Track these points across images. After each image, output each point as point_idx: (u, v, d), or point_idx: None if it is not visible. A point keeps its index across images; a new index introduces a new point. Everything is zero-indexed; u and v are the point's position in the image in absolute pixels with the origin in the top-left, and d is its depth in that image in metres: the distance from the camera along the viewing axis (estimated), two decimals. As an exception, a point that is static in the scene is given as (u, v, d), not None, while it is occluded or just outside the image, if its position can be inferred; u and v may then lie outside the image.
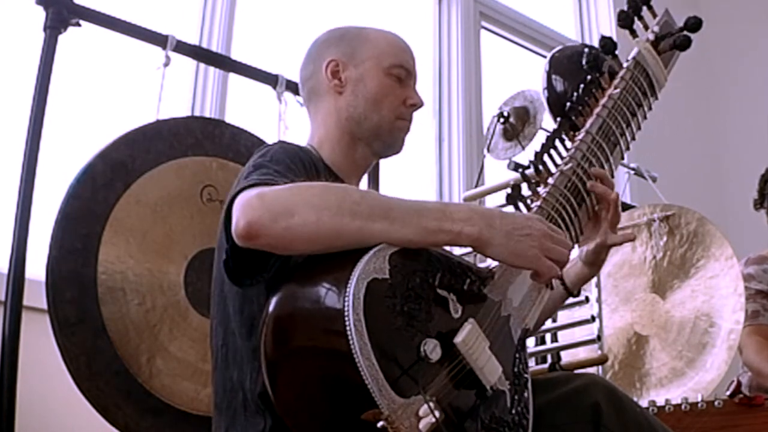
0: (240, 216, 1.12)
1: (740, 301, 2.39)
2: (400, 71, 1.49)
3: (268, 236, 1.11)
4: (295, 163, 1.30)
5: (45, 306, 1.72)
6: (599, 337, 2.05)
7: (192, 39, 2.46)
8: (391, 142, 1.51)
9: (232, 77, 2.45)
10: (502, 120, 2.40)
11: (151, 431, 1.78)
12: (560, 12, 3.91)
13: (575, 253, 1.57)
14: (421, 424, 1.00)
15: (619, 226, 1.59)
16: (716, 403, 1.90)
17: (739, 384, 2.06)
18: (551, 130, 1.44)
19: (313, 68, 1.52)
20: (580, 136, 1.45)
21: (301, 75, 1.56)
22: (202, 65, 2.47)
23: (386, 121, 1.48)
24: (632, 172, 2.95)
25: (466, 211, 1.17)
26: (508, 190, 1.32)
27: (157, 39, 2.01)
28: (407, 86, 1.50)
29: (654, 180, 2.89)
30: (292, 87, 2.20)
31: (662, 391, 2.37)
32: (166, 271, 1.88)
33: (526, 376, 1.23)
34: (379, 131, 1.48)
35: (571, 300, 1.92)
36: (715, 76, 4.21)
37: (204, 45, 2.51)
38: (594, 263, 1.54)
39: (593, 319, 2.03)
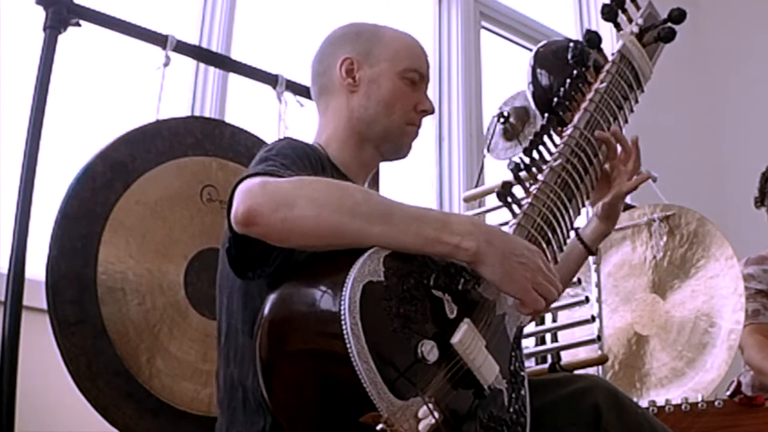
0: (240, 202, 1.12)
1: (740, 301, 2.39)
2: (414, 75, 1.48)
3: (266, 225, 1.10)
4: (301, 158, 1.30)
5: (45, 306, 1.72)
6: (599, 337, 2.05)
7: (192, 39, 2.46)
8: (399, 147, 1.50)
9: (232, 77, 2.45)
10: (502, 120, 2.40)
11: (151, 431, 1.78)
12: (560, 12, 3.91)
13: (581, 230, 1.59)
14: (421, 426, 1.00)
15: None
16: (716, 403, 1.90)
17: (739, 384, 2.06)
18: (539, 126, 1.45)
19: (327, 64, 1.51)
20: (568, 132, 1.45)
21: (313, 69, 1.54)
22: (202, 65, 2.47)
23: (396, 126, 1.47)
24: (632, 171, 2.94)
25: (466, 224, 1.16)
26: (499, 188, 1.32)
27: (157, 39, 2.01)
28: (419, 91, 1.50)
29: (654, 180, 2.89)
30: (292, 87, 2.20)
31: (662, 392, 2.37)
32: (166, 271, 1.88)
33: (522, 374, 1.24)
34: (388, 134, 1.48)
35: (571, 300, 1.92)
36: (714, 76, 4.21)
37: (204, 45, 2.51)
38: (609, 216, 1.57)
39: (593, 319, 2.03)
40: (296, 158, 1.29)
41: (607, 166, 1.52)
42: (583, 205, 1.44)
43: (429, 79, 1.53)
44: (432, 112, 1.51)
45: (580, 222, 1.50)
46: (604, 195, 1.54)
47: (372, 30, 1.52)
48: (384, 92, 1.46)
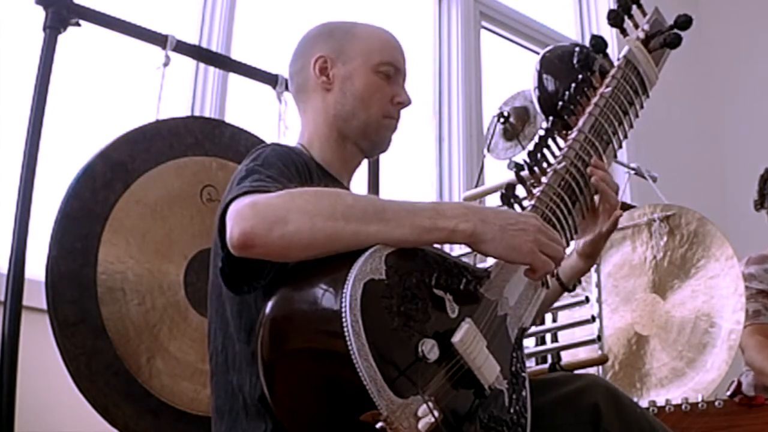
0: (234, 226, 1.12)
1: (741, 301, 2.39)
2: (389, 69, 1.48)
3: (264, 246, 1.10)
4: (287, 167, 1.30)
5: (45, 306, 1.72)
6: (599, 338, 2.05)
7: (192, 39, 2.46)
8: (378, 141, 1.50)
9: (232, 77, 2.45)
10: (502, 120, 2.40)
11: (151, 431, 1.78)
12: (560, 12, 3.91)
13: (570, 247, 1.57)
14: (420, 425, 1.00)
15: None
16: (717, 403, 1.90)
17: (739, 384, 2.06)
18: (544, 129, 1.44)
19: (302, 64, 1.51)
20: (572, 135, 1.45)
21: (290, 70, 1.54)
22: (201, 65, 2.47)
23: (373, 120, 1.47)
24: (632, 172, 2.95)
25: (459, 208, 1.17)
26: (502, 190, 1.32)
27: (157, 39, 2.01)
28: (395, 84, 1.49)
29: (654, 180, 2.89)
30: (292, 87, 2.20)
31: (662, 392, 2.37)
32: (166, 271, 1.88)
33: (523, 374, 1.23)
34: (366, 129, 1.47)
35: (571, 300, 1.92)
36: (715, 76, 4.21)
37: (204, 45, 2.51)
38: (590, 255, 1.54)
39: (593, 319, 2.03)
40: (283, 167, 1.29)
41: (596, 198, 1.47)
42: (588, 210, 1.44)
43: (406, 72, 1.53)
44: (409, 103, 1.50)
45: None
46: (588, 231, 1.50)
47: (345, 27, 1.52)
48: (358, 87, 1.46)
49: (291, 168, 1.30)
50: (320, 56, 1.48)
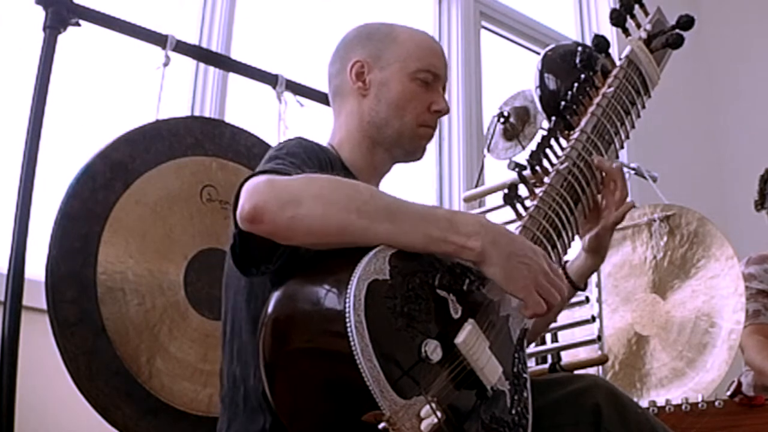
0: (246, 199, 1.12)
1: (741, 301, 2.39)
2: (427, 75, 1.46)
3: (272, 222, 1.10)
4: (310, 158, 1.29)
5: (45, 306, 1.72)
6: (599, 338, 2.05)
7: (192, 39, 2.46)
8: (412, 150, 1.49)
9: (232, 77, 2.45)
10: (502, 120, 2.40)
11: (151, 431, 1.78)
12: (560, 12, 3.91)
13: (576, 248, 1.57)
14: (423, 425, 1.00)
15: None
16: (717, 403, 1.90)
17: (739, 384, 2.06)
18: (546, 129, 1.44)
19: (340, 67, 1.50)
20: (575, 135, 1.45)
21: (328, 71, 1.54)
22: (201, 65, 2.46)
23: (408, 128, 1.46)
24: (632, 172, 2.94)
25: (473, 224, 1.16)
26: (505, 191, 1.31)
27: (157, 39, 2.01)
28: (433, 91, 1.47)
29: (654, 180, 2.89)
30: (292, 87, 2.20)
31: (663, 392, 2.38)
32: (166, 271, 1.87)
33: (525, 375, 1.23)
34: (399, 138, 1.46)
35: (571, 300, 1.92)
36: (715, 76, 4.21)
37: (204, 45, 2.50)
38: (597, 250, 1.52)
39: (593, 319, 2.03)
40: (306, 158, 1.28)
41: (599, 196, 1.47)
42: (590, 210, 1.43)
43: (446, 78, 1.51)
44: (447, 111, 1.49)
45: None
46: (594, 227, 1.49)
47: (384, 31, 1.51)
48: (394, 95, 1.45)
49: (314, 160, 1.30)
50: (357, 60, 1.48)
